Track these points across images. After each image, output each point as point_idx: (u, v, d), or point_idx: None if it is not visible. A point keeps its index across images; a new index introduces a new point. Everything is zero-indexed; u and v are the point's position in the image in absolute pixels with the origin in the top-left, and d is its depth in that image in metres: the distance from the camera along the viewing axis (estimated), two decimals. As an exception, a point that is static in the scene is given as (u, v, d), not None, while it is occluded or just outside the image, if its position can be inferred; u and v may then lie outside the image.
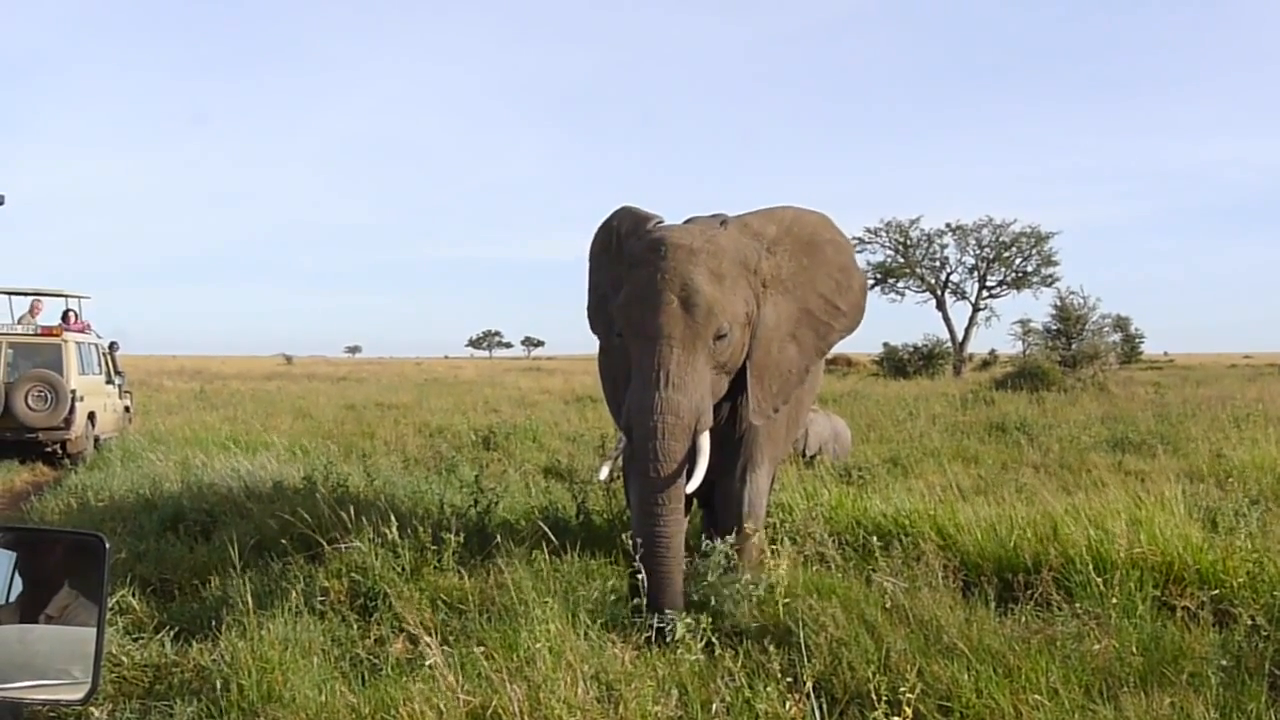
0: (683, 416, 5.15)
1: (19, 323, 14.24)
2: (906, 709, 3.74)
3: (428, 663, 4.25)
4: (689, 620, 4.65)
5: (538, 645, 4.30)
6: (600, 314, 6.14)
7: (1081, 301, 32.98)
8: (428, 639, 4.39)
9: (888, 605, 5.04)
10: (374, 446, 13.68)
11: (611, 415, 6.95)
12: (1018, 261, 44.43)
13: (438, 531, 6.22)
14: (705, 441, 5.29)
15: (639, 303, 5.29)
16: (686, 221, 5.82)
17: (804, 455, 11.00)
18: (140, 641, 5.08)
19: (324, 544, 6.23)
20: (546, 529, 6.24)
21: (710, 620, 4.69)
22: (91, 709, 4.02)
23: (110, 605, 5.30)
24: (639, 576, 5.14)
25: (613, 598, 5.46)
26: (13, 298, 15.00)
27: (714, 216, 5.80)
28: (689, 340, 5.22)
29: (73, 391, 13.03)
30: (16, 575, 2.14)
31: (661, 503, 5.15)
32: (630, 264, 5.47)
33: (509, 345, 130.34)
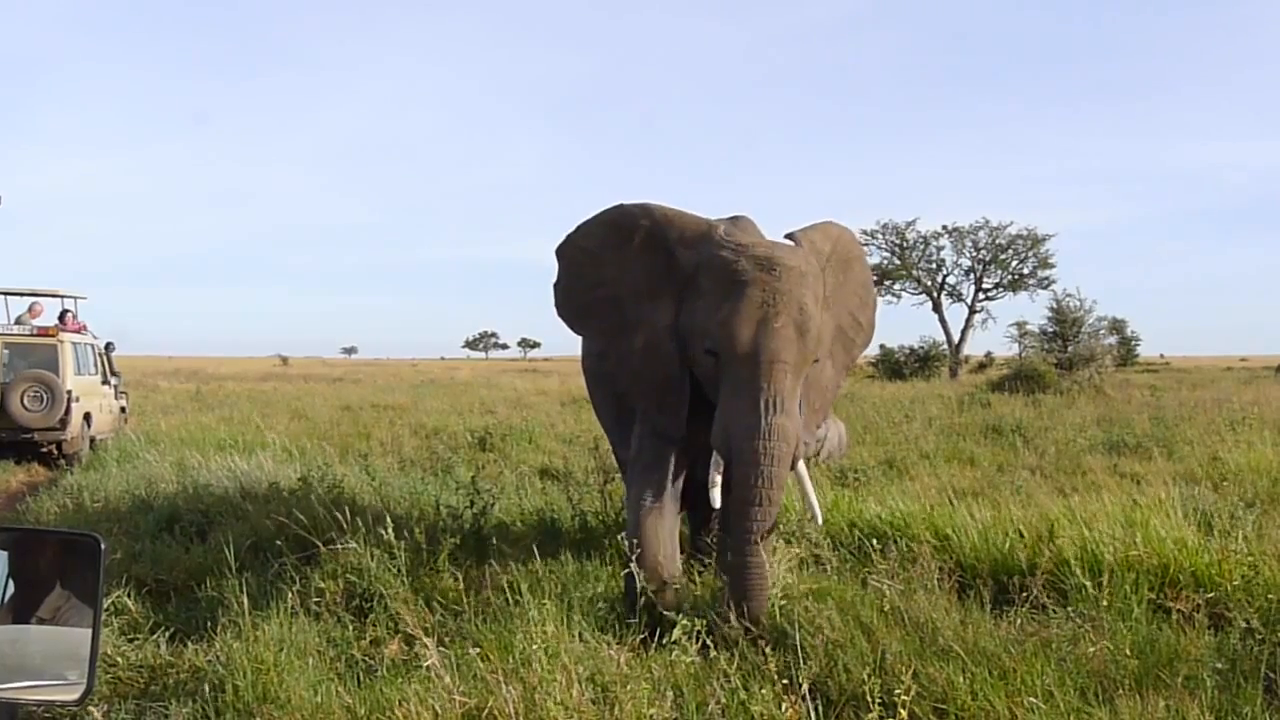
0: (791, 443, 5.08)
1: (16, 323, 14.22)
2: (902, 711, 3.74)
3: (424, 664, 4.25)
4: (685, 622, 4.65)
5: (533, 646, 4.29)
6: (602, 313, 5.82)
7: (1078, 304, 32.96)
8: (424, 640, 4.39)
9: (884, 608, 5.04)
10: (370, 447, 13.66)
11: (604, 422, 6.80)
12: (1014, 264, 44.46)
13: (434, 533, 6.22)
14: (803, 468, 5.27)
15: (754, 324, 5.08)
16: None
17: (819, 460, 10.96)
18: (136, 642, 5.08)
19: (320, 545, 6.22)
20: (537, 539, 6.23)
21: (705, 622, 4.69)
22: (87, 709, 4.02)
23: (105, 606, 5.29)
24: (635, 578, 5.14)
25: (607, 599, 5.46)
26: (9, 298, 14.98)
27: (733, 219, 5.68)
28: (799, 365, 5.16)
29: (68, 392, 13.01)
30: (9, 576, 2.13)
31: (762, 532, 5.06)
32: (728, 280, 5.20)
33: (505, 346, 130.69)
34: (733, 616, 4.88)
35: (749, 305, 5.10)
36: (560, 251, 6.08)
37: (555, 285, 6.09)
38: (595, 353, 6.27)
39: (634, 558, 5.23)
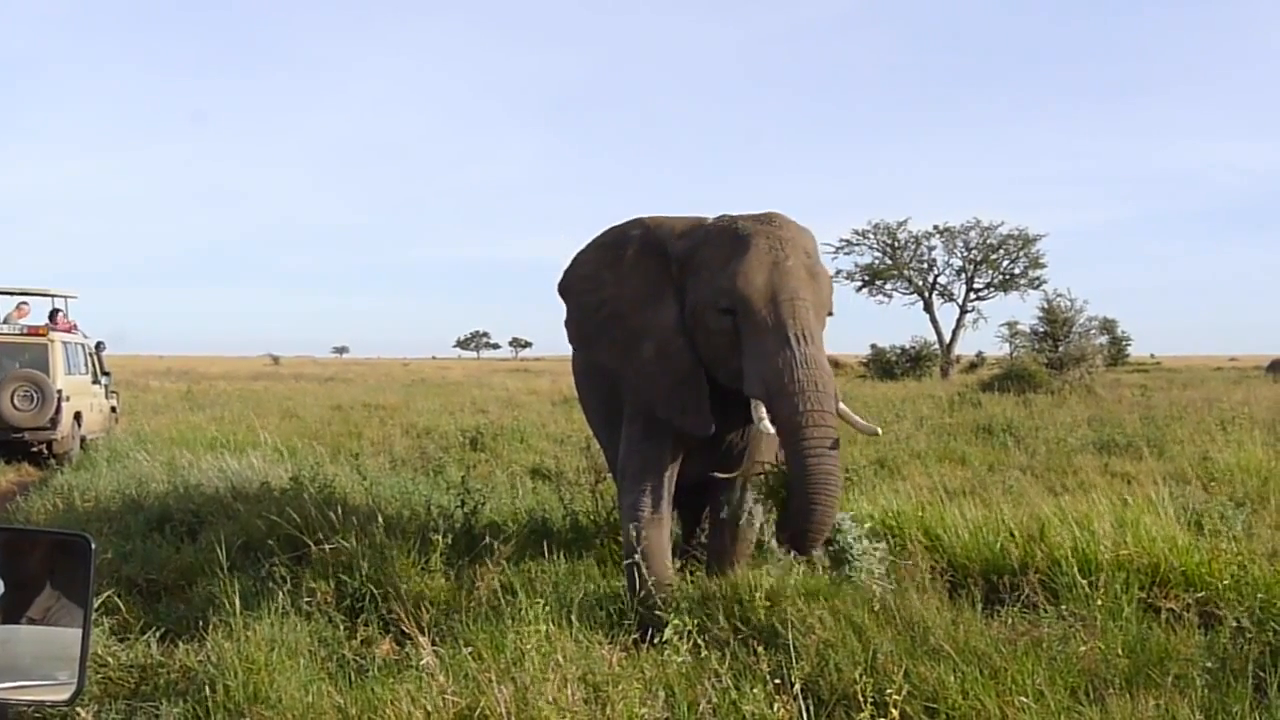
0: (827, 372, 5.00)
1: (5, 322, 14.16)
2: (893, 710, 3.75)
3: (416, 664, 4.25)
4: (677, 621, 4.65)
5: (525, 646, 4.29)
6: (610, 333, 5.74)
7: (1068, 304, 33.06)
8: (416, 639, 4.39)
9: (875, 607, 5.04)
10: (361, 447, 13.63)
11: (593, 424, 6.85)
12: (1005, 264, 44.68)
13: (425, 532, 6.21)
14: (842, 405, 5.12)
15: (767, 268, 5.09)
16: None
17: None
18: (126, 642, 5.06)
19: (311, 545, 6.21)
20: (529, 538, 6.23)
21: (696, 622, 4.69)
22: (77, 710, 4.00)
23: (96, 606, 5.27)
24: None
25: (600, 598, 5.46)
26: (0, 298, 14.92)
27: (721, 219, 5.74)
28: (818, 306, 5.19)
29: (59, 391, 12.97)
30: None
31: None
32: (731, 241, 5.26)
33: (496, 346, 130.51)
34: (800, 529, 4.89)
35: (758, 253, 5.17)
36: (563, 287, 6.09)
37: (566, 323, 6.10)
38: (582, 362, 6.32)
39: (636, 570, 5.29)
